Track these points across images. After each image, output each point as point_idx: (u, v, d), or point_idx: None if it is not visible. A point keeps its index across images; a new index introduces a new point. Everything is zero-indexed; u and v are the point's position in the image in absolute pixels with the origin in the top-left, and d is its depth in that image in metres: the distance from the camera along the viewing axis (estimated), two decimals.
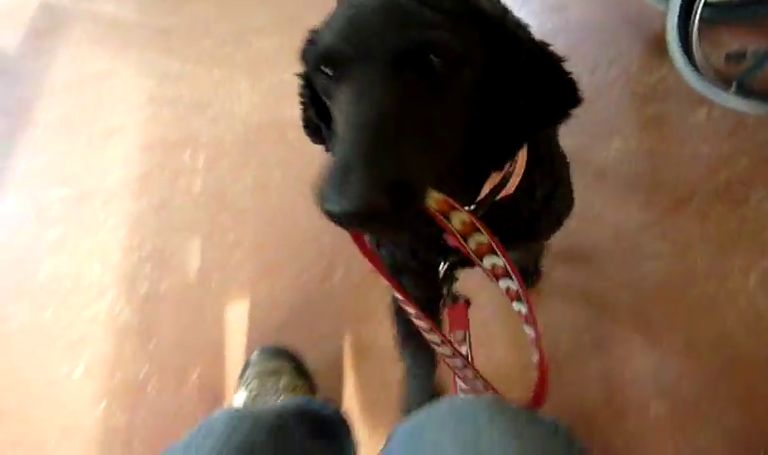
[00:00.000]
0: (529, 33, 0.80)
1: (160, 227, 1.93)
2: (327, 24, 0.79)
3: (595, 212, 1.74)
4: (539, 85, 0.79)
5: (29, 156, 2.22)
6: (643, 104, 2.06)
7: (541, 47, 0.80)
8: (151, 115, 2.32)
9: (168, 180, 2.07)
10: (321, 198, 0.61)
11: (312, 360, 1.55)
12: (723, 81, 1.95)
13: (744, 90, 1.93)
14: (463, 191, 0.88)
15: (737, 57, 1.98)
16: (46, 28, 2.81)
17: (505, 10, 0.82)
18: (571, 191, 1.15)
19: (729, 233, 1.68)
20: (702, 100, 2.01)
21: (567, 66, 0.79)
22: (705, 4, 1.84)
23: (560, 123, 0.83)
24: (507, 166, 0.88)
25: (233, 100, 2.32)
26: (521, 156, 0.93)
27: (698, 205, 1.74)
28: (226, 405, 1.52)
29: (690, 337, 1.50)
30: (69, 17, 2.87)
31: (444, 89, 0.71)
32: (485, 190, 0.89)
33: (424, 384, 1.40)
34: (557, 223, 1.16)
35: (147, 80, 2.47)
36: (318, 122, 0.91)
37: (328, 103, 0.79)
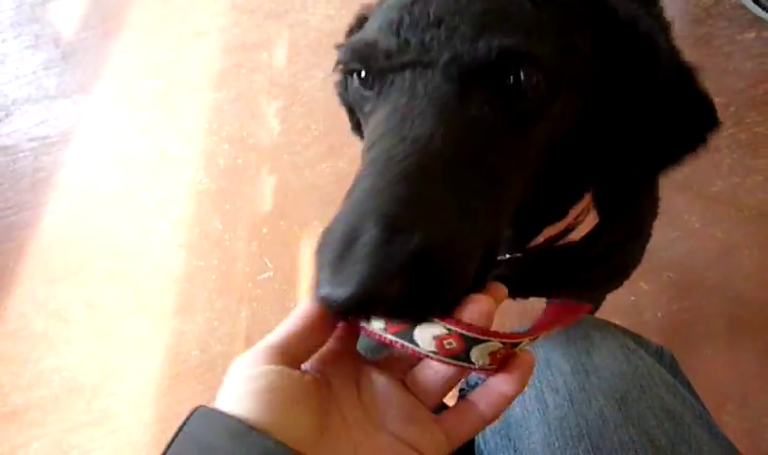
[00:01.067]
0: (669, 40, 0.63)
1: (238, 114, 2.25)
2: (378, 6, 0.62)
3: None
4: (674, 113, 0.62)
5: (124, 53, 2.58)
6: (696, 25, 2.26)
7: (680, 60, 0.63)
8: (233, 21, 2.64)
9: (245, 76, 2.39)
10: (317, 278, 0.46)
11: None
12: None
13: None
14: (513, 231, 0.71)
15: None
16: None
17: (637, 13, 0.61)
18: (639, 246, 0.97)
19: (759, 138, 1.90)
20: (753, 22, 2.20)
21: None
22: None
23: (689, 158, 0.67)
24: (579, 215, 0.74)
25: (308, 11, 2.62)
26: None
27: (734, 111, 1.96)
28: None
29: (707, 221, 1.74)
30: None
31: (526, 121, 0.54)
32: (540, 238, 0.74)
33: None
34: (613, 280, 0.99)
35: None
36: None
37: (361, 120, 0.63)
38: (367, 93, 0.58)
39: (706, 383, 1.50)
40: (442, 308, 0.46)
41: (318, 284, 0.45)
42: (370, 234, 0.43)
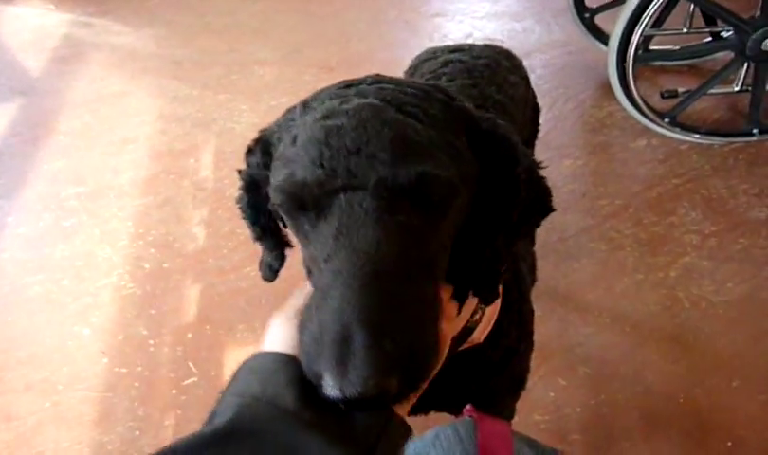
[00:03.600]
0: (518, 139, 0.70)
1: (164, 219, 2.14)
2: (290, 130, 0.65)
3: None
4: (529, 195, 0.69)
5: (51, 159, 2.44)
6: (592, 133, 2.32)
7: (527, 154, 0.71)
8: (161, 129, 2.56)
9: (173, 182, 2.29)
10: (318, 377, 0.51)
11: None
12: (658, 114, 2.22)
13: (675, 122, 2.20)
14: None
15: (669, 94, 2.24)
16: (69, 55, 3.10)
17: (494, 120, 0.70)
18: (530, 354, 1.02)
19: (657, 237, 1.92)
20: (643, 131, 2.28)
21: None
22: (639, 50, 2.13)
23: (533, 230, 0.77)
24: (474, 314, 0.78)
25: (234, 119, 2.57)
26: (494, 303, 0.80)
27: (633, 213, 1.99)
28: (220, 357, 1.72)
29: (616, 317, 1.72)
30: (90, 46, 3.17)
31: (440, 219, 0.61)
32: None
33: None
34: (517, 385, 1.02)
35: (158, 100, 2.72)
36: (265, 229, 0.80)
37: (293, 232, 0.66)
38: (302, 215, 0.61)
39: None
40: (423, 385, 0.53)
41: (324, 386, 0.50)
42: (360, 340, 0.49)
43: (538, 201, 0.72)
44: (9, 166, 2.42)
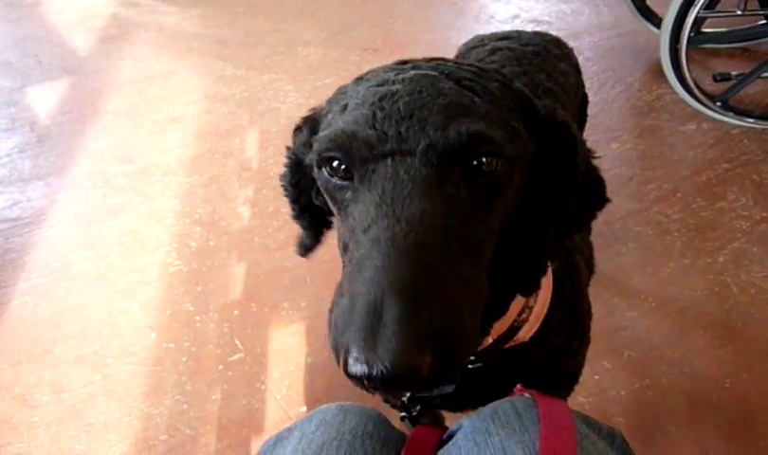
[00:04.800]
0: (577, 128, 0.68)
1: (210, 198, 2.19)
2: (339, 102, 0.64)
3: None
4: (585, 186, 0.67)
5: (99, 137, 2.51)
6: (641, 117, 2.29)
7: (584, 142, 0.69)
8: (206, 108, 2.61)
9: (218, 161, 2.34)
10: (343, 351, 0.47)
11: None
12: (710, 98, 2.19)
13: (727, 106, 2.16)
14: None
15: (722, 78, 2.21)
16: (116, 34, 3.16)
17: (554, 106, 0.68)
18: (585, 350, 0.97)
19: (706, 221, 1.90)
20: (693, 115, 2.25)
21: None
22: (692, 32, 2.10)
23: (588, 224, 0.74)
24: (522, 313, 0.76)
25: (279, 99, 2.61)
26: (543, 300, 0.79)
27: (681, 198, 1.97)
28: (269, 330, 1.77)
29: (663, 301, 1.71)
30: (137, 26, 3.23)
31: (493, 197, 0.58)
32: (490, 339, 0.76)
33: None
34: (568, 381, 0.97)
35: (204, 79, 2.77)
36: (304, 208, 0.80)
37: (331, 205, 0.64)
38: (345, 183, 0.59)
39: None
40: (458, 374, 0.48)
41: (347, 363, 0.45)
42: (395, 310, 0.45)
43: (593, 192, 0.70)
44: (57, 143, 2.49)
